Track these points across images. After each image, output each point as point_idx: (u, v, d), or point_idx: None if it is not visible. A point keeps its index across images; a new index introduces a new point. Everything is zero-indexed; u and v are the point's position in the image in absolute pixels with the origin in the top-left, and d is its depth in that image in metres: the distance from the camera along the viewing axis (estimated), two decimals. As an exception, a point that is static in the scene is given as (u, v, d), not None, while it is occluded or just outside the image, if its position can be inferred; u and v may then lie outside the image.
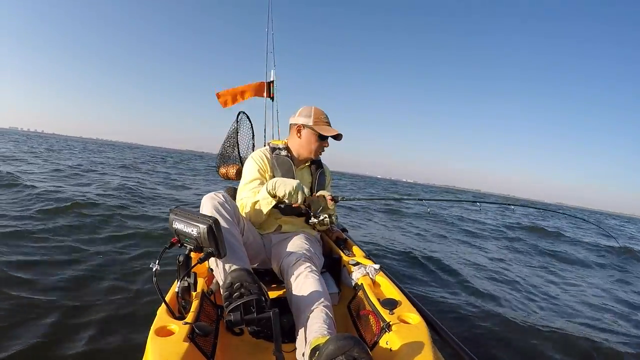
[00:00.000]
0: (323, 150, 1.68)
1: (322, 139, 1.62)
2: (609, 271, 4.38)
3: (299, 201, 1.39)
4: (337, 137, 1.63)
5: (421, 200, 1.79)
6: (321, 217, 1.47)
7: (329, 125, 1.64)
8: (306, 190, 1.41)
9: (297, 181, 1.40)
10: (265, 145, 1.77)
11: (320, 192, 1.50)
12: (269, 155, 1.63)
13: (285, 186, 1.38)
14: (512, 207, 1.93)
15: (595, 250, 6.10)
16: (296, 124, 1.62)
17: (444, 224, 6.84)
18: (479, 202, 2.05)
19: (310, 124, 1.59)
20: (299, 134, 1.63)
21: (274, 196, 1.42)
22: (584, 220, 2.44)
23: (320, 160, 1.77)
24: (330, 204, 1.47)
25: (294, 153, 1.67)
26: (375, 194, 15.58)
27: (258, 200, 1.45)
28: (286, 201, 1.40)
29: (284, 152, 1.65)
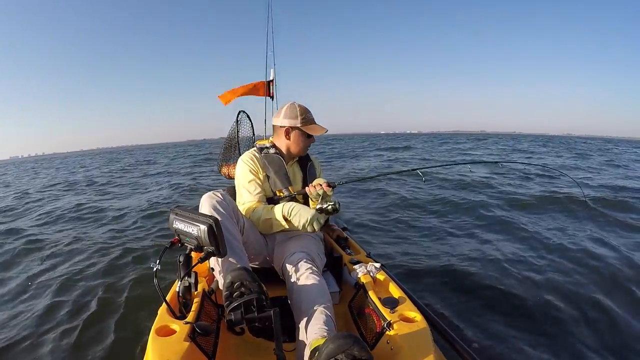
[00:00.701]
0: (310, 145, 1.69)
1: (309, 136, 1.63)
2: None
3: (312, 231, 1.40)
4: (324, 132, 1.66)
5: (414, 170, 1.80)
6: (324, 206, 1.46)
7: (315, 122, 1.65)
8: (322, 219, 1.40)
9: (313, 212, 1.39)
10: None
11: (316, 181, 1.50)
12: (258, 155, 1.64)
13: (300, 217, 1.38)
14: (501, 164, 1.98)
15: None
16: (283, 127, 1.62)
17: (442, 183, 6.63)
18: (469, 163, 2.09)
19: (299, 125, 1.59)
20: (287, 136, 1.63)
21: (287, 220, 1.43)
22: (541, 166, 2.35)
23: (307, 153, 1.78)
24: (328, 190, 1.47)
25: (283, 150, 1.67)
26: (381, 155, 15.15)
27: (271, 219, 1.46)
28: (297, 227, 1.41)
29: (272, 150, 1.66)
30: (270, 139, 1.75)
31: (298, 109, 1.60)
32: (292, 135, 1.62)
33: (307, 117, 1.61)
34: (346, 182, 1.64)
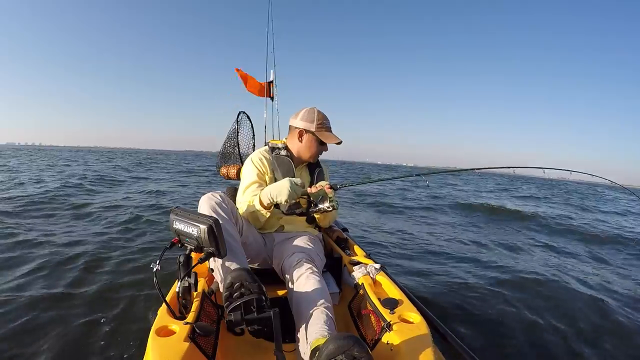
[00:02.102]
0: (321, 153, 1.68)
1: (322, 144, 1.63)
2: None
3: (299, 194, 1.40)
4: (339, 142, 1.64)
5: (419, 175, 1.77)
6: (322, 206, 1.47)
7: (331, 130, 1.64)
8: (298, 181, 1.40)
9: (287, 180, 1.38)
10: (264, 145, 1.77)
11: (319, 183, 1.51)
12: (268, 156, 1.64)
13: (281, 194, 1.36)
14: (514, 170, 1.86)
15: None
16: (298, 128, 1.61)
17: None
18: (476, 169, 1.94)
19: (313, 129, 1.59)
20: (300, 139, 1.62)
21: (268, 207, 1.43)
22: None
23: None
24: (329, 192, 1.48)
25: (294, 153, 1.67)
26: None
27: (255, 211, 1.46)
28: (285, 203, 1.40)
29: (283, 152, 1.66)
30: (284, 139, 1.75)
31: (316, 114, 1.60)
32: (305, 138, 1.62)
33: (323, 124, 1.60)
34: (349, 185, 1.64)
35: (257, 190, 1.55)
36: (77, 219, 4.48)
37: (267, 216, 1.46)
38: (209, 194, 1.32)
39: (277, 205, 1.51)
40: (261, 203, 1.42)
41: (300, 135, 1.62)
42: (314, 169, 1.72)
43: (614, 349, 1.94)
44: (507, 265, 3.18)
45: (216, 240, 1.05)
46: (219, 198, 1.30)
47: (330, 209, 1.46)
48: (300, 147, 1.64)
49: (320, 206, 1.47)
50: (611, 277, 3.21)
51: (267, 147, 1.71)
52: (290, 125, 1.67)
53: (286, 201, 1.37)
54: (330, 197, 1.46)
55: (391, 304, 1.15)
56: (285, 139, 1.73)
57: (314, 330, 1.04)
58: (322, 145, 1.63)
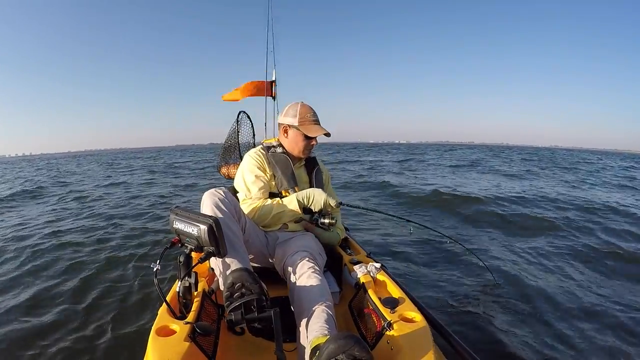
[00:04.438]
0: (312, 147, 1.66)
1: (308, 138, 1.60)
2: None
3: (334, 204, 1.48)
4: (326, 134, 1.61)
5: (409, 221, 1.85)
6: (322, 220, 1.53)
7: (317, 122, 1.61)
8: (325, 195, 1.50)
9: (320, 190, 1.49)
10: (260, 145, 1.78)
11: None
12: (264, 153, 1.63)
13: (315, 201, 1.47)
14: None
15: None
16: (283, 124, 1.62)
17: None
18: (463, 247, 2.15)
19: (296, 124, 1.57)
20: (285, 134, 1.63)
21: (303, 208, 1.49)
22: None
23: (315, 158, 1.77)
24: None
25: (288, 150, 1.66)
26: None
27: (282, 211, 1.49)
28: (314, 209, 1.50)
29: (279, 150, 1.65)
30: (277, 137, 1.74)
31: (299, 108, 1.59)
32: (290, 133, 1.62)
33: (306, 117, 1.58)
34: (350, 206, 1.69)
35: (264, 184, 1.55)
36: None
37: (296, 217, 1.53)
38: (211, 190, 1.29)
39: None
40: (299, 203, 1.49)
41: (285, 131, 1.62)
42: (312, 168, 1.71)
43: (618, 346, 1.94)
44: (508, 262, 3.17)
45: (216, 240, 1.05)
46: (222, 194, 1.28)
47: (332, 228, 1.54)
48: (287, 143, 1.64)
49: (322, 220, 1.54)
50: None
51: (261, 146, 1.71)
52: (278, 123, 1.68)
53: (320, 210, 1.49)
54: (333, 213, 1.52)
55: (392, 303, 1.15)
56: (278, 137, 1.73)
57: (315, 329, 1.04)
58: (308, 140, 1.60)
